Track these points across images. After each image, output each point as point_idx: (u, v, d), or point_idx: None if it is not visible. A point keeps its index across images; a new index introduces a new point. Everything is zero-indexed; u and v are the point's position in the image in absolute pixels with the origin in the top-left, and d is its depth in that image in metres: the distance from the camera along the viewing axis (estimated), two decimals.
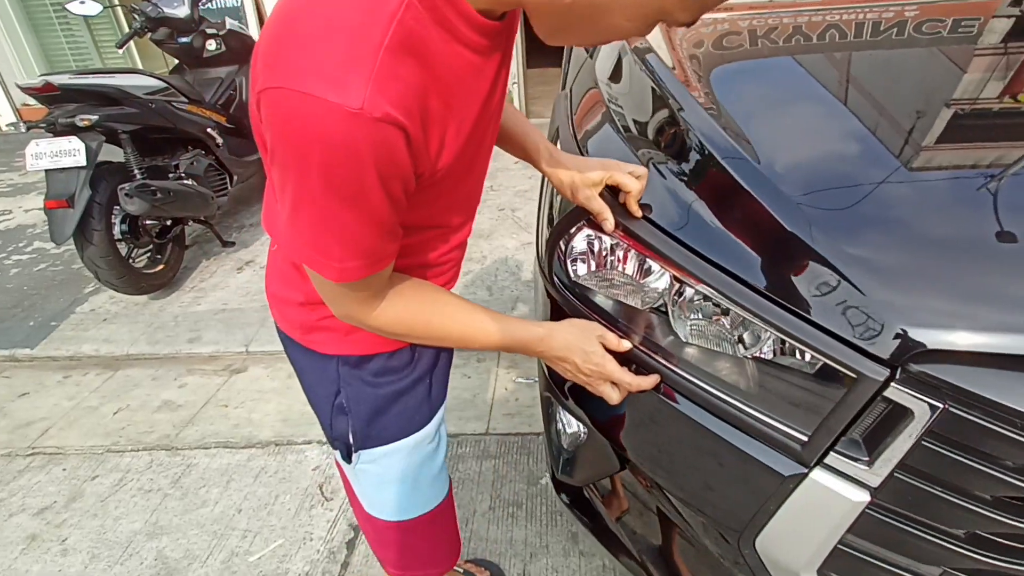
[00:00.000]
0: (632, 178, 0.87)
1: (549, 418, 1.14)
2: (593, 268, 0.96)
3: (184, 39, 3.06)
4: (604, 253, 0.94)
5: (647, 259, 0.87)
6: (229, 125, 3.10)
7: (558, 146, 1.10)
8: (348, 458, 0.89)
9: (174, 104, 2.74)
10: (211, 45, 3.19)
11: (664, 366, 0.84)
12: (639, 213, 0.87)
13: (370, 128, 0.50)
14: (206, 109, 2.97)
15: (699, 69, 1.18)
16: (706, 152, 0.93)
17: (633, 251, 0.89)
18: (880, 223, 0.75)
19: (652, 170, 0.94)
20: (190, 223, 2.94)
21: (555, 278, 0.99)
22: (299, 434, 1.96)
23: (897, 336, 0.65)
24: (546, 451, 1.22)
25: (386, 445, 0.88)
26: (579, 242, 0.96)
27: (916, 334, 0.64)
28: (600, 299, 0.94)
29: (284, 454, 1.88)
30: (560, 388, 1.01)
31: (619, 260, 0.93)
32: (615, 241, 0.90)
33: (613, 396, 0.83)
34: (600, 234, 0.92)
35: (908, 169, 0.83)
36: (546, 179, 1.14)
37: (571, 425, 1.09)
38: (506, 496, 1.63)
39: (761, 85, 1.14)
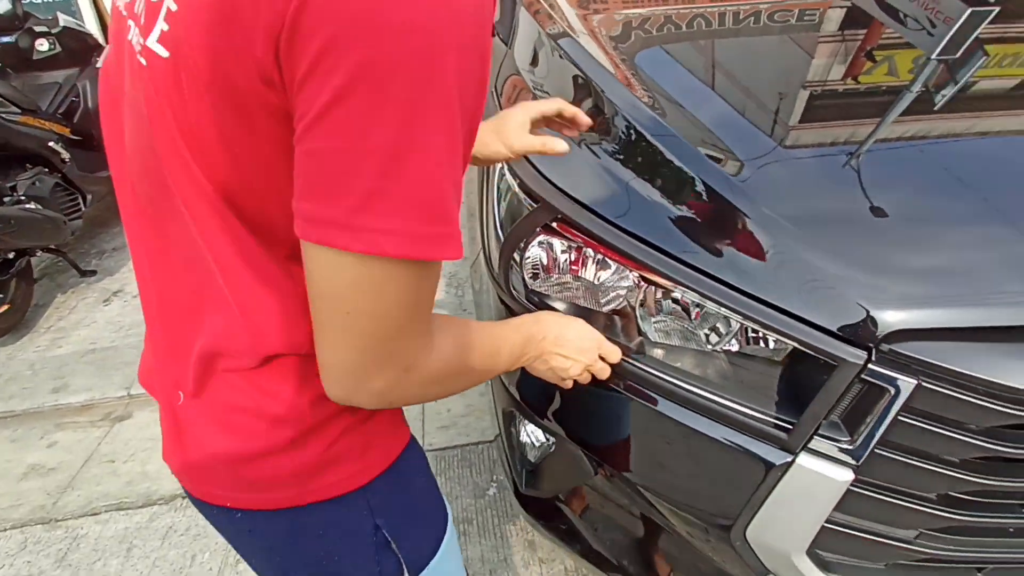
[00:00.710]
0: (556, 103, 0.82)
1: (511, 433, 1.10)
2: (550, 274, 0.92)
3: (6, 38, 2.62)
4: (561, 258, 0.91)
5: (607, 259, 0.86)
6: (75, 137, 2.70)
7: None
8: None
9: (2, 116, 2.34)
10: (42, 45, 2.76)
11: (638, 367, 0.83)
12: (590, 120, 0.84)
13: None
14: (44, 120, 2.56)
15: (620, 53, 1.19)
16: (635, 132, 0.93)
17: (592, 252, 0.87)
18: (848, 214, 0.78)
19: (588, 154, 0.93)
20: (38, 253, 2.53)
21: (512, 289, 0.95)
22: None
23: (871, 320, 0.68)
24: (505, 465, 1.17)
25: (438, 548, 0.66)
26: (535, 250, 0.92)
27: (887, 316, 0.67)
28: (561, 305, 0.92)
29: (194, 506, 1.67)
30: (528, 403, 0.97)
31: (578, 263, 0.91)
32: (573, 244, 0.88)
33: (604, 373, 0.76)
34: (556, 238, 0.89)
35: (851, 158, 0.88)
36: (485, 180, 1.09)
37: (537, 437, 1.06)
38: (455, 513, 1.57)
39: (677, 68, 1.16)
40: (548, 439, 1.02)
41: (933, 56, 1.08)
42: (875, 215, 0.77)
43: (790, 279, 0.72)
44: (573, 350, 0.70)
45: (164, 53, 0.41)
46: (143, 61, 0.43)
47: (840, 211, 0.78)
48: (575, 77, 1.11)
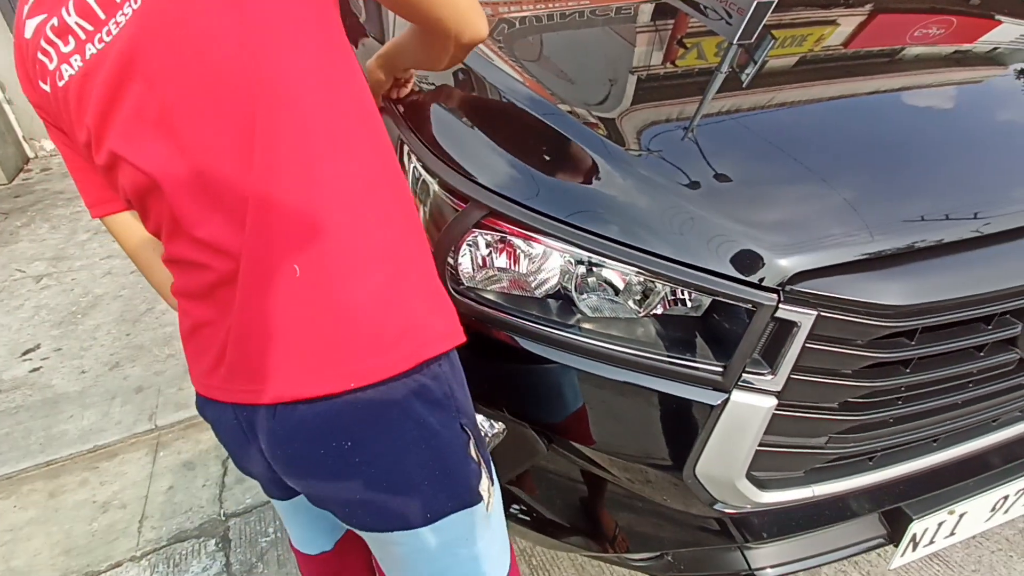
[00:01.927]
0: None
1: None
2: (483, 269, 0.96)
3: None
4: (490, 252, 0.95)
5: (535, 246, 0.91)
6: None
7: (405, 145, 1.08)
8: (486, 501, 0.71)
9: None
10: None
11: (579, 340, 0.89)
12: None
13: None
14: None
15: (519, 51, 1.25)
16: (543, 125, 1.00)
17: (520, 241, 0.92)
18: (739, 181, 0.90)
19: (493, 146, 0.98)
20: None
21: (448, 287, 0.96)
22: (99, 558, 1.55)
23: (776, 268, 0.80)
24: None
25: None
26: (465, 250, 0.95)
27: (787, 263, 0.80)
28: (495, 297, 0.96)
29: None
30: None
31: (506, 254, 0.95)
32: (499, 236, 0.92)
33: None
34: (483, 234, 0.93)
35: (737, 130, 1.01)
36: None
37: (483, 426, 1.08)
38: None
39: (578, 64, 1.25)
40: (499, 427, 1.05)
41: (734, 42, 1.26)
42: (758, 180, 0.91)
43: (707, 244, 0.83)
44: None
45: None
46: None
47: (732, 178, 0.91)
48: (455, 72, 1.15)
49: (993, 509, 1.11)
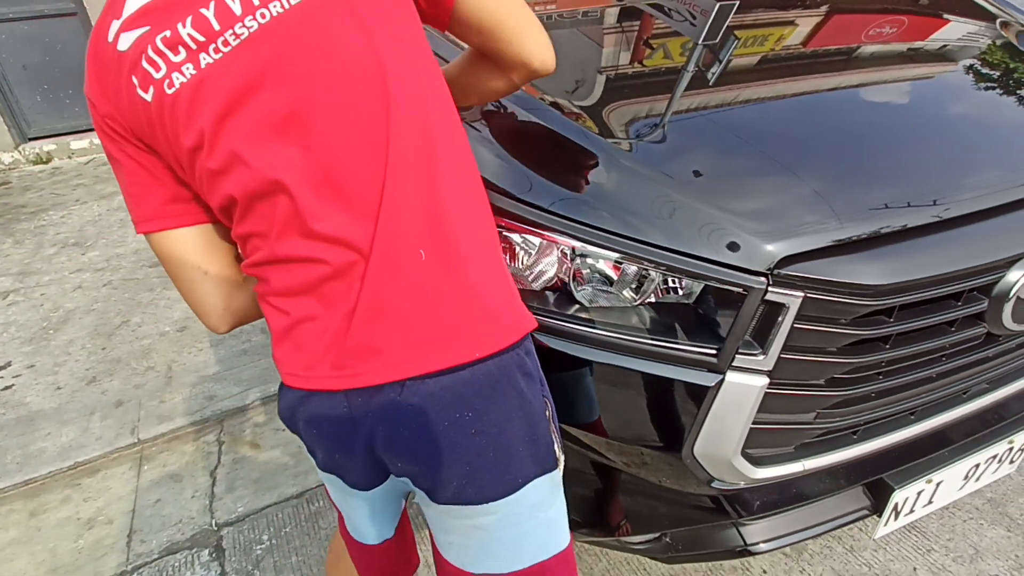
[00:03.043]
0: None
1: None
2: None
3: None
4: None
5: (532, 239, 0.94)
6: None
7: None
8: (556, 466, 0.76)
9: None
10: None
11: (581, 330, 0.93)
12: None
13: None
14: None
15: None
16: (544, 129, 1.03)
17: (517, 236, 0.95)
18: (730, 174, 0.95)
19: (493, 143, 1.01)
20: None
21: None
22: (88, 575, 1.51)
23: (765, 252, 0.85)
24: None
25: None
26: None
27: (775, 248, 0.85)
28: None
29: None
30: None
31: (504, 250, 0.98)
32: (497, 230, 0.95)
33: None
34: None
35: (725, 128, 1.06)
36: None
37: None
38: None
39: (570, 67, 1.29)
40: None
41: (699, 42, 1.32)
42: (744, 172, 0.96)
43: (700, 233, 0.87)
44: None
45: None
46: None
47: (720, 171, 0.95)
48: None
49: (966, 477, 1.18)
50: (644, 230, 0.89)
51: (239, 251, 0.76)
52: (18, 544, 1.62)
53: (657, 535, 1.14)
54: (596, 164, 0.99)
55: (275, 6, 0.61)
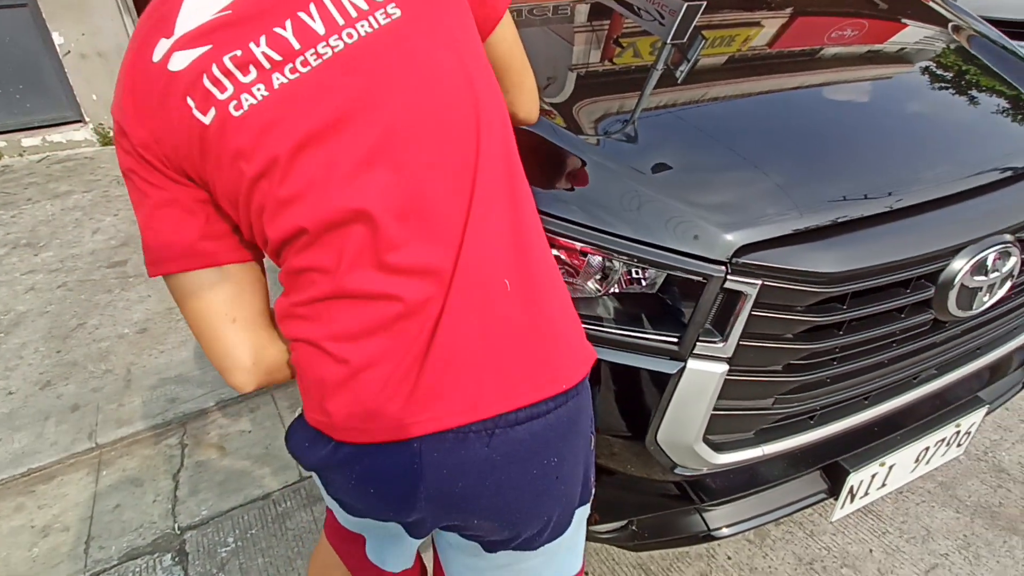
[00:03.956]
0: None
1: None
2: None
3: None
4: None
5: None
6: None
7: None
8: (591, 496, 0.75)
9: None
10: None
11: None
12: None
13: None
14: None
15: None
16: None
17: None
18: (690, 168, 0.97)
19: None
20: None
21: None
22: None
23: (723, 242, 0.87)
24: None
25: None
26: None
27: (733, 237, 0.87)
28: None
29: None
30: None
31: None
32: None
33: None
34: None
35: (686, 124, 1.08)
36: None
37: None
38: None
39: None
40: None
41: (668, 41, 1.34)
42: (704, 166, 0.98)
43: (662, 223, 0.89)
44: None
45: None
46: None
47: (682, 165, 0.98)
48: None
49: (917, 460, 1.23)
50: (608, 221, 0.91)
51: (287, 290, 0.67)
52: None
53: (623, 524, 1.16)
54: (564, 159, 1.00)
55: (363, 26, 0.57)
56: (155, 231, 0.64)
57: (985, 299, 1.02)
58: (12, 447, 1.86)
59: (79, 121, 4.12)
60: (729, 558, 1.44)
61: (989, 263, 0.99)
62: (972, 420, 1.25)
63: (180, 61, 0.57)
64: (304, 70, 0.57)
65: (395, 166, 0.58)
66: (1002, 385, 1.39)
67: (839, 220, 0.92)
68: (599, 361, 0.92)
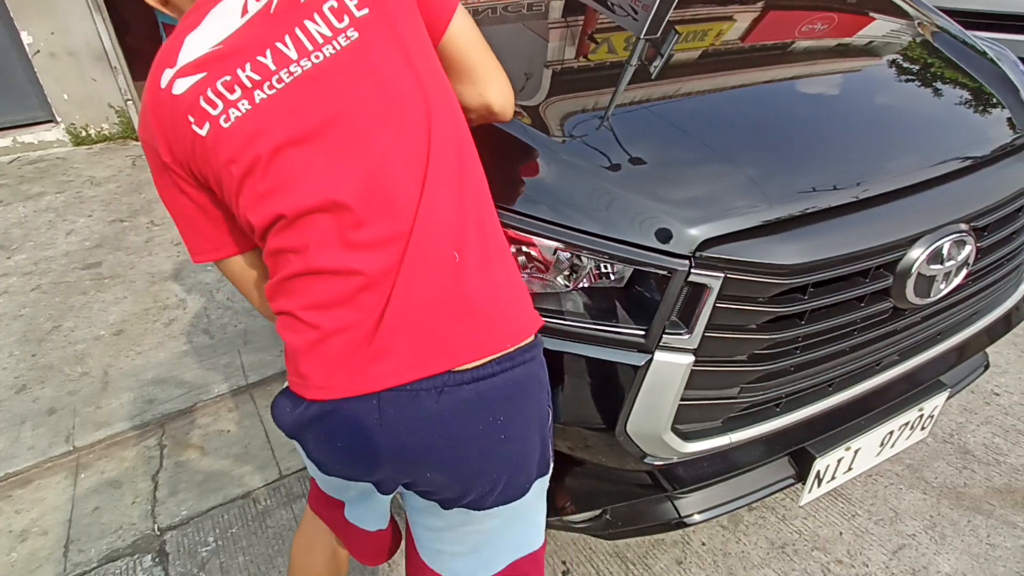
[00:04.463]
0: None
1: None
2: None
3: None
4: None
5: None
6: None
7: None
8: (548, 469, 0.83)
9: None
10: None
11: None
12: None
13: None
14: None
15: None
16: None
17: None
18: (654, 165, 0.99)
19: None
20: None
21: None
22: None
23: (687, 236, 0.89)
24: None
25: None
26: None
27: (696, 232, 0.89)
28: None
29: None
30: None
31: None
32: None
33: None
34: None
35: (649, 122, 1.10)
36: None
37: None
38: None
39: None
40: None
41: (641, 36, 1.36)
42: (668, 162, 1.00)
43: (626, 219, 0.91)
44: None
45: None
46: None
47: (647, 162, 0.99)
48: None
49: (882, 444, 1.27)
50: (575, 218, 0.92)
51: (271, 270, 0.77)
52: None
53: (598, 513, 1.18)
54: (531, 156, 1.01)
55: (327, 49, 0.68)
56: (188, 230, 0.81)
57: (942, 287, 1.06)
58: None
59: (50, 121, 4.04)
60: (703, 544, 1.47)
61: (944, 252, 1.02)
62: (935, 404, 1.29)
63: (181, 87, 0.69)
64: (279, 86, 0.68)
65: (359, 159, 0.68)
66: (963, 369, 1.44)
67: (800, 213, 0.95)
68: (569, 355, 0.95)
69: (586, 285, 0.99)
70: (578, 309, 0.98)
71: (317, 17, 0.69)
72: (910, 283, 1.02)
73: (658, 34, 1.36)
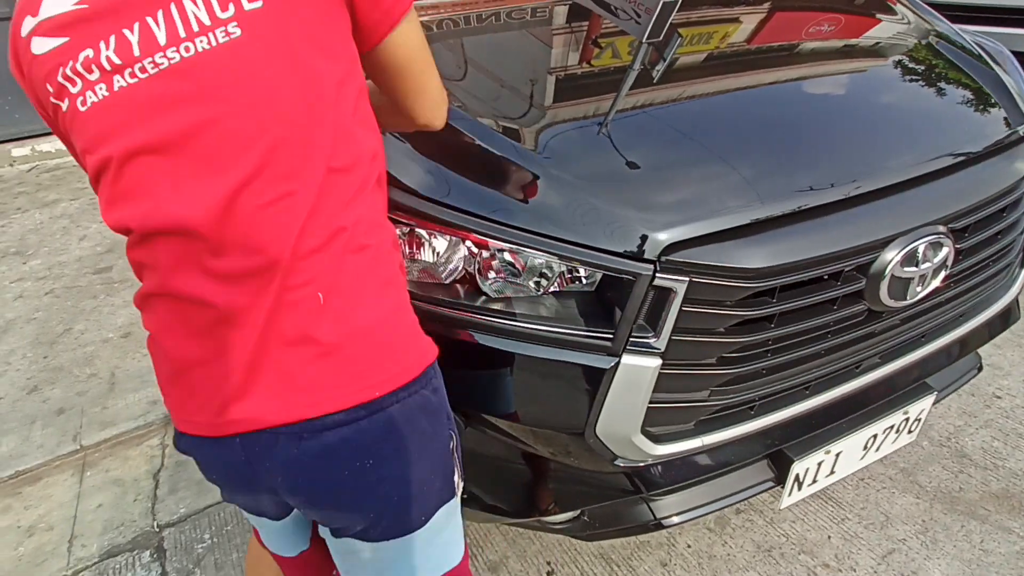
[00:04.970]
0: None
1: None
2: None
3: None
4: (402, 243, 1.01)
5: (441, 235, 0.98)
6: None
7: None
8: (454, 495, 0.79)
9: None
10: None
11: (481, 320, 0.97)
12: None
13: None
14: None
15: None
16: (460, 134, 1.07)
17: (425, 232, 0.99)
18: (619, 169, 1.00)
19: (407, 146, 1.05)
20: None
21: None
22: None
23: (651, 241, 0.90)
24: None
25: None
26: None
27: (661, 236, 0.90)
28: (410, 287, 1.02)
29: None
30: None
31: (413, 245, 1.02)
32: (407, 227, 0.99)
33: None
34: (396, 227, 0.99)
35: (615, 129, 1.11)
36: None
37: None
38: None
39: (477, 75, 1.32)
40: None
41: (643, 40, 1.36)
42: (634, 167, 1.01)
43: (591, 224, 0.92)
44: None
45: None
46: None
47: (613, 167, 1.00)
48: None
49: (865, 447, 1.26)
50: (544, 224, 0.93)
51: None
52: None
53: (576, 514, 1.19)
54: (498, 162, 1.02)
55: (201, 41, 0.58)
56: None
57: (918, 290, 1.05)
58: (0, 451, 1.90)
59: None
60: (689, 546, 1.47)
61: (920, 254, 1.01)
62: (921, 407, 1.28)
63: (41, 47, 0.61)
64: (142, 76, 0.59)
65: (218, 181, 0.60)
66: (952, 371, 1.42)
67: (767, 217, 0.95)
68: (539, 358, 0.96)
69: (558, 289, 1.00)
70: (549, 314, 0.99)
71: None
72: (884, 286, 1.02)
73: (660, 37, 1.35)
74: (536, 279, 0.99)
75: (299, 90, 0.61)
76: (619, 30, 1.48)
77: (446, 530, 0.79)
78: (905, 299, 1.05)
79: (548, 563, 1.45)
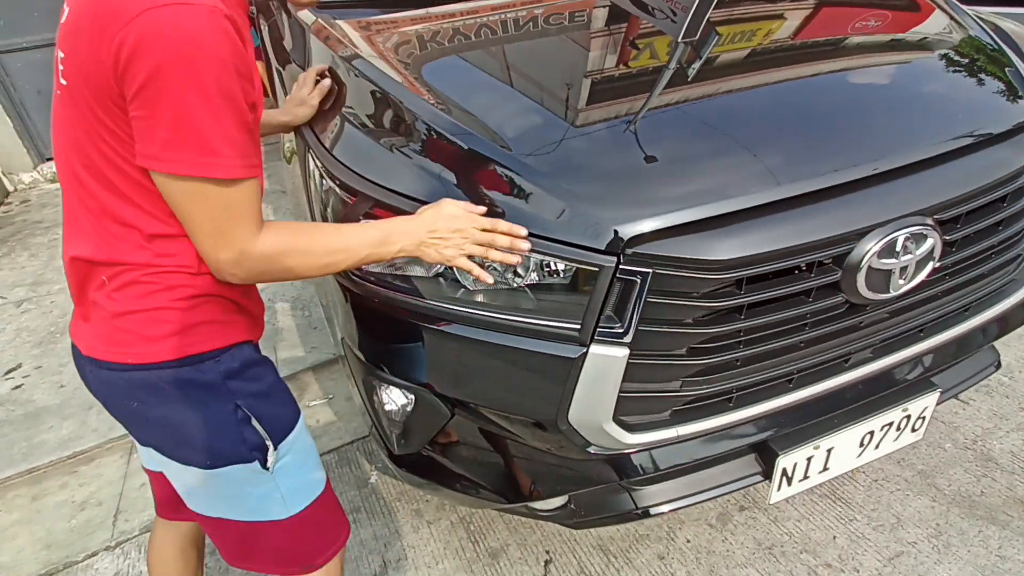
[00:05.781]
0: (306, 75, 1.32)
1: (374, 402, 1.24)
2: None
3: None
4: None
5: None
6: None
7: (308, 150, 1.22)
8: (266, 464, 0.93)
9: None
10: None
11: (462, 311, 1.02)
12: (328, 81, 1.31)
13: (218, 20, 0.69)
14: None
15: (408, 67, 1.38)
16: (435, 132, 1.13)
17: None
18: (582, 165, 1.04)
19: (396, 154, 1.11)
20: None
21: (352, 276, 1.09)
22: (77, 550, 1.67)
23: (613, 234, 0.93)
24: (376, 436, 1.31)
25: (292, 427, 0.97)
26: None
27: (622, 230, 0.93)
28: (393, 279, 1.08)
29: None
30: (379, 364, 1.13)
31: None
32: None
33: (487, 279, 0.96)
34: None
35: (581, 125, 1.14)
36: (308, 196, 1.23)
37: (398, 399, 1.21)
38: (344, 506, 1.66)
39: (455, 77, 1.38)
40: (406, 397, 1.18)
41: (679, 39, 1.37)
42: (600, 161, 1.04)
43: (556, 218, 0.96)
44: (444, 228, 0.91)
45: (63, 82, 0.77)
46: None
47: (579, 161, 1.04)
48: (372, 92, 1.28)
49: (862, 444, 1.24)
50: (514, 218, 0.98)
51: None
52: (20, 524, 1.79)
53: (563, 503, 1.23)
54: (480, 164, 1.07)
55: (63, 80, 0.76)
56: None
57: (901, 282, 1.03)
58: (61, 433, 2.10)
59: None
60: (688, 541, 1.48)
61: (899, 245, 1.00)
62: (923, 404, 1.25)
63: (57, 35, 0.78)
64: (60, 92, 0.78)
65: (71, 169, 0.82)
66: (964, 369, 1.37)
67: (727, 209, 0.95)
68: (512, 348, 1.00)
69: (535, 282, 1.04)
70: (523, 305, 1.03)
71: (60, 52, 0.76)
72: (860, 278, 1.01)
73: (697, 36, 1.35)
74: (513, 271, 1.03)
75: (74, 137, 0.79)
76: (656, 30, 1.47)
77: (260, 487, 0.94)
78: (888, 292, 1.04)
79: (547, 551, 1.49)
